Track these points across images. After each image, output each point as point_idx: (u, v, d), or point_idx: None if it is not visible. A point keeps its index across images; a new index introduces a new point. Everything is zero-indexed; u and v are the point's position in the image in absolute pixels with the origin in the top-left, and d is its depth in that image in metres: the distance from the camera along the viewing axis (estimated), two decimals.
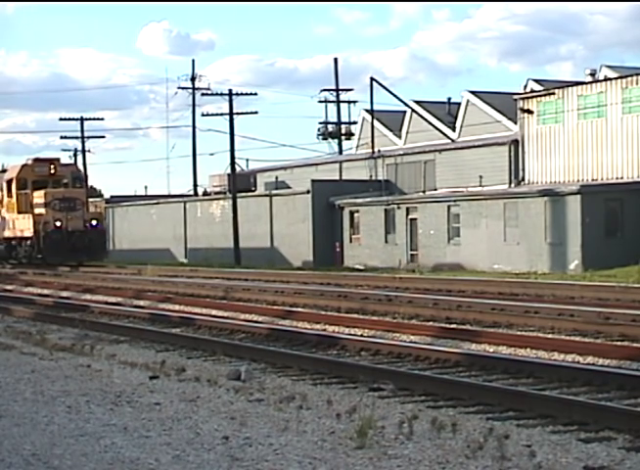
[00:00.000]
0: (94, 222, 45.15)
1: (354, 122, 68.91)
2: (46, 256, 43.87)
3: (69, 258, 43.69)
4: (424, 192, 47.31)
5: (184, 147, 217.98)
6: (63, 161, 49.67)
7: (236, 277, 31.90)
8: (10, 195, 46.79)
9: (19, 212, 45.86)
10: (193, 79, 66.30)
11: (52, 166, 46.35)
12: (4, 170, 49.72)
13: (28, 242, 45.49)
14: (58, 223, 43.91)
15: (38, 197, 45.10)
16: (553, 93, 42.71)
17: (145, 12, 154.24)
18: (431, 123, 51.90)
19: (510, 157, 44.74)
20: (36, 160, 47.57)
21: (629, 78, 39.64)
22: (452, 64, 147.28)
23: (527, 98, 43.95)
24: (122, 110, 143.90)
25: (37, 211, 44.76)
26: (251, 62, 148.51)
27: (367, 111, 57.62)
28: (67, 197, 44.96)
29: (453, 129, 50.95)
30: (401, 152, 51.83)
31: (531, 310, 17.75)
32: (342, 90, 71.11)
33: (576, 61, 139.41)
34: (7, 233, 47.88)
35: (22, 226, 45.82)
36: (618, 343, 13.42)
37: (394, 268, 39.29)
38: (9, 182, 46.76)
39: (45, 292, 27.90)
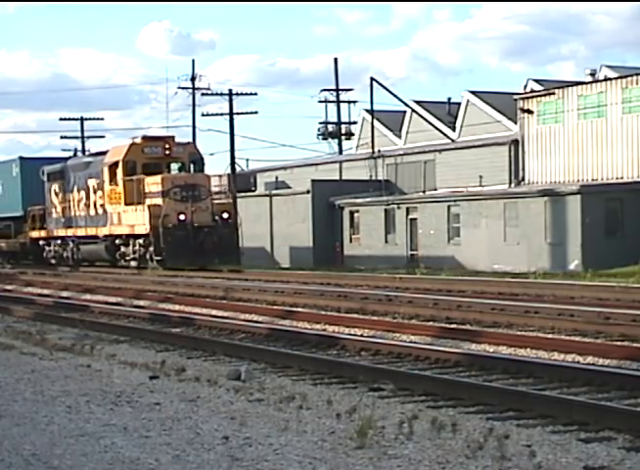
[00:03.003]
0: (225, 215, 36.57)
1: (354, 122, 68.97)
2: (167, 257, 35.27)
3: (195, 261, 35.41)
4: (424, 192, 47.33)
5: None
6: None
7: (236, 277, 31.88)
8: (114, 182, 37.84)
9: (126, 204, 37.05)
10: (193, 79, 66.23)
11: (167, 146, 37.55)
12: (101, 153, 41.25)
13: (141, 240, 36.66)
14: (181, 217, 35.37)
15: (153, 183, 36.22)
16: (553, 93, 42.72)
17: (146, 12, 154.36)
18: (431, 123, 51.91)
19: (510, 157, 44.76)
20: (146, 138, 38.80)
21: (629, 78, 39.65)
22: (453, 63, 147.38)
23: (527, 98, 43.96)
24: (123, 110, 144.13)
25: (152, 201, 35.98)
26: (253, 62, 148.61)
27: (367, 111, 57.65)
28: (189, 183, 36.18)
29: (453, 129, 50.96)
30: (401, 152, 51.86)
31: (531, 310, 17.73)
32: (343, 90, 71.15)
33: (578, 61, 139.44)
34: (109, 230, 38.74)
35: (133, 221, 36.89)
36: (618, 343, 13.41)
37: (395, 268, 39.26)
38: (112, 167, 37.91)
39: (45, 292, 27.89)
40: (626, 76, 40.12)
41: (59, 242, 43.56)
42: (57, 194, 43.42)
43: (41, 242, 45.27)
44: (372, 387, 10.49)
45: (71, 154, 65.24)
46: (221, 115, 51.59)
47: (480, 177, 45.46)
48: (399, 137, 55.19)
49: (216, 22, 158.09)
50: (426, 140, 51.03)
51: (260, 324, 16.97)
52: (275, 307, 20.07)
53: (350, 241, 46.63)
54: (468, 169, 46.26)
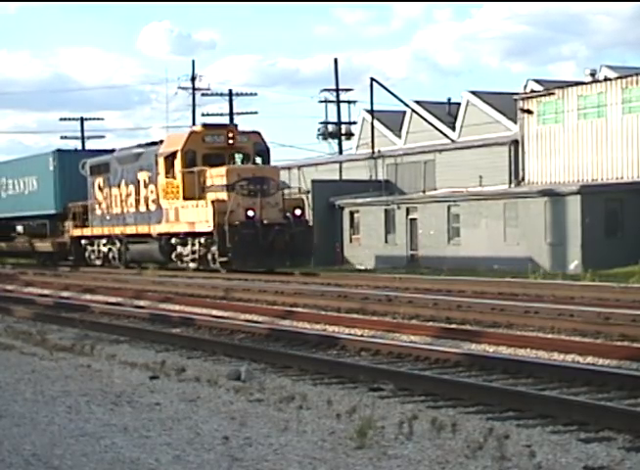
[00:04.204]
0: (297, 212, 33.06)
1: (354, 122, 69.03)
2: (233, 258, 31.88)
3: (265, 262, 32.17)
4: (424, 192, 47.33)
5: None
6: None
7: (236, 277, 31.88)
8: (170, 174, 34.40)
9: (185, 198, 33.69)
10: (193, 80, 66.40)
11: (230, 135, 34.17)
12: (152, 143, 37.91)
13: (202, 239, 33.23)
14: (250, 213, 31.90)
15: (217, 176, 32.81)
16: (553, 93, 42.74)
17: (146, 12, 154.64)
18: (431, 123, 51.92)
19: (510, 157, 44.78)
20: (207, 126, 35.77)
21: (629, 78, 39.67)
22: (454, 64, 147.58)
23: (527, 98, 43.98)
24: (124, 110, 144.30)
25: (216, 195, 32.51)
26: (253, 62, 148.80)
27: (367, 111, 57.67)
28: (257, 176, 32.79)
29: (453, 129, 50.98)
30: (401, 152, 51.85)
31: (531, 310, 17.73)
32: (343, 90, 71.21)
33: (579, 61, 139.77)
34: (163, 228, 35.23)
35: (193, 217, 33.30)
36: (618, 343, 13.41)
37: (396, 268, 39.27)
38: (169, 157, 34.52)
39: (45, 292, 27.87)
40: (626, 77, 40.14)
41: (104, 241, 40.32)
42: (101, 189, 40.19)
43: (83, 241, 41.96)
44: (372, 387, 10.48)
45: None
46: (221, 115, 51.71)
47: (480, 177, 45.46)
48: (399, 137, 55.20)
49: (216, 22, 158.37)
50: (426, 140, 51.04)
51: (260, 324, 16.98)
52: (275, 307, 20.07)
53: (350, 241, 46.62)
54: (468, 169, 46.26)
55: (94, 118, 70.72)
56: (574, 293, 22.02)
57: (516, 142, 44.42)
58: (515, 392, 9.52)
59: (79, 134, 69.79)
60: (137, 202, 37.28)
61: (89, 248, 41.62)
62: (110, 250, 39.82)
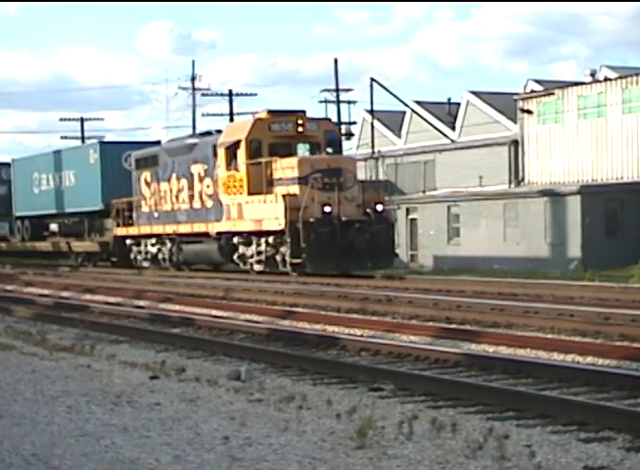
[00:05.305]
0: (379, 208, 29.43)
1: (354, 123, 69.00)
2: (309, 260, 28.22)
3: (343, 264, 28.67)
4: (424, 192, 47.34)
5: None
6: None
7: (236, 277, 31.87)
8: (232, 167, 30.87)
9: (250, 193, 30.11)
10: (193, 80, 66.37)
11: (299, 122, 30.60)
12: (205, 133, 35.29)
13: (270, 239, 29.59)
14: (327, 209, 28.26)
15: (288, 168, 29.27)
16: (553, 93, 42.75)
17: (146, 11, 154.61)
18: (431, 124, 51.92)
19: (510, 157, 44.80)
20: (273, 112, 31.31)
21: (629, 78, 39.68)
22: (454, 64, 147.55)
23: (527, 98, 43.99)
24: (124, 110, 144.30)
25: (287, 189, 28.97)
26: (253, 62, 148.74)
27: (367, 111, 57.66)
28: (333, 167, 29.25)
29: (453, 129, 50.98)
30: (401, 152, 51.86)
31: (531, 310, 17.73)
32: (343, 90, 71.13)
33: (579, 61, 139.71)
34: (224, 226, 31.74)
35: (260, 214, 29.52)
36: (618, 343, 13.41)
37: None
38: (231, 148, 31.01)
39: (45, 292, 27.88)
40: (626, 77, 40.15)
41: (152, 241, 36.68)
42: (148, 184, 36.78)
43: (128, 241, 38.37)
44: (372, 387, 10.49)
45: None
46: (221, 115, 51.68)
47: (480, 177, 45.47)
48: (399, 137, 55.20)
49: (217, 21, 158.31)
50: (426, 140, 51.04)
51: (260, 324, 16.98)
52: (275, 308, 20.08)
53: None
54: (468, 169, 46.28)
55: (94, 119, 70.83)
56: (574, 293, 22.00)
57: (516, 142, 44.43)
58: (515, 392, 9.53)
59: (79, 134, 69.76)
60: (191, 197, 34.06)
61: (134, 248, 38.12)
62: (159, 250, 36.39)
